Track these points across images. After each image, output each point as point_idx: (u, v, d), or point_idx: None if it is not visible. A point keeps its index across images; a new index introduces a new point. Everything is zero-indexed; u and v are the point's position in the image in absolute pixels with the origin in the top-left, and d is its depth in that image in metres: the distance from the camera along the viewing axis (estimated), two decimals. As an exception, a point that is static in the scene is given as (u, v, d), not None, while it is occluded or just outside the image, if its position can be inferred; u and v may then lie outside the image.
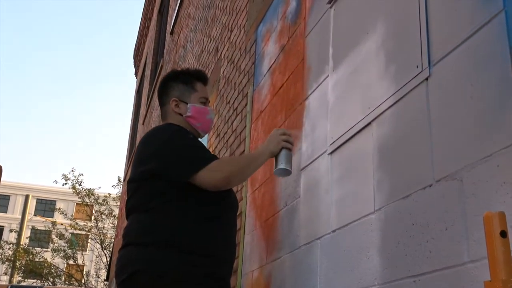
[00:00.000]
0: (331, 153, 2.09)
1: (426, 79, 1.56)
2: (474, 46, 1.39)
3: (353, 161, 1.91)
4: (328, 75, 2.25)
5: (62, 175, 24.38)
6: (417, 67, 1.61)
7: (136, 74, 15.59)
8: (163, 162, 1.76)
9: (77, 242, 27.31)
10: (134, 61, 15.56)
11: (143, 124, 10.84)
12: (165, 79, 2.09)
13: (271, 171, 2.79)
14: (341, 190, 1.97)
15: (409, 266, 1.49)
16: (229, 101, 3.96)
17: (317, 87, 2.35)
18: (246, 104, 3.46)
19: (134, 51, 15.06)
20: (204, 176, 1.73)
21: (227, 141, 3.79)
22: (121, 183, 21.14)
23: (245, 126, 3.39)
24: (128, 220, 1.82)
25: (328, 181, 2.08)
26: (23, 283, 25.07)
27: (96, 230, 24.25)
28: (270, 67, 3.07)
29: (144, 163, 1.80)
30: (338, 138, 2.04)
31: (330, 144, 2.11)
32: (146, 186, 1.77)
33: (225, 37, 4.45)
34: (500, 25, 1.29)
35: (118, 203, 22.41)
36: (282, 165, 1.92)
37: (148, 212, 1.73)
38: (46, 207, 40.65)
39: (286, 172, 1.95)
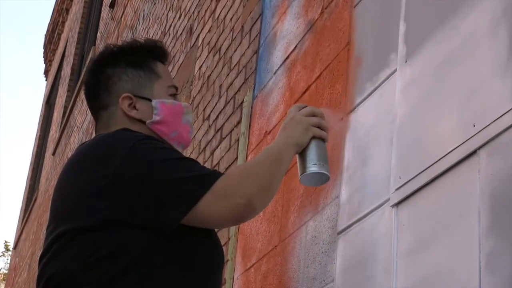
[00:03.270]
0: (398, 204, 2.03)
1: None
2: None
3: (440, 219, 1.85)
4: (395, 70, 2.20)
5: None
6: None
7: (46, 73, 15.56)
8: (131, 197, 1.65)
9: None
10: (44, 52, 15.55)
11: (53, 154, 10.80)
12: (99, 63, 1.99)
13: (280, 234, 2.73)
14: (414, 269, 1.90)
15: None
16: (208, 116, 3.92)
17: (373, 90, 2.31)
18: (239, 121, 3.42)
19: (46, 35, 15.08)
20: (211, 206, 1.64)
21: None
22: (10, 252, 21.07)
23: (236, 158, 3.33)
24: None
25: (389, 252, 2.01)
26: None
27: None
28: (287, 58, 3.04)
29: (85, 201, 1.69)
30: (412, 179, 1.98)
31: (397, 189, 2.05)
32: (87, 241, 1.66)
33: (206, 11, 4.45)
34: None
35: (3, 286, 22.28)
36: (315, 167, 1.77)
37: None
38: None
39: (321, 178, 1.81)
